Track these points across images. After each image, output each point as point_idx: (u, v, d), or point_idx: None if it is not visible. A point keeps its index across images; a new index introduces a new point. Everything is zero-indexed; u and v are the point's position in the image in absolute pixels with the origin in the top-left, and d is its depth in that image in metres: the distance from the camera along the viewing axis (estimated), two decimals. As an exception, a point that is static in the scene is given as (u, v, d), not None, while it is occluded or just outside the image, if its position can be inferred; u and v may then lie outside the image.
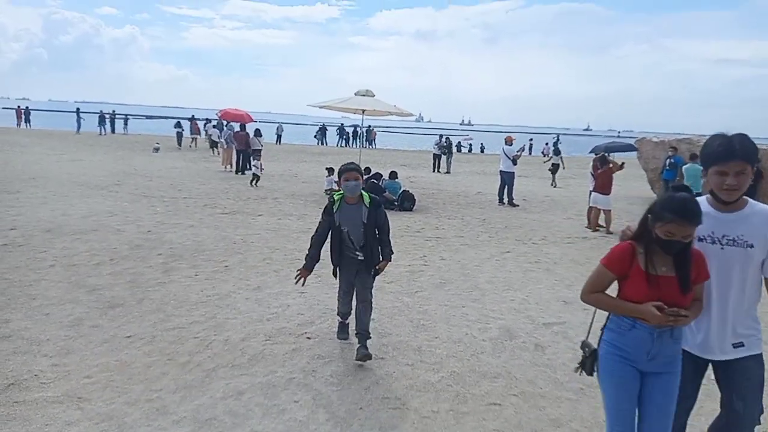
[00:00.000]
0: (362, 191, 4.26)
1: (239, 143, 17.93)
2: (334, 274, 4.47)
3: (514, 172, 13.82)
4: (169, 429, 3.30)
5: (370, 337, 4.36)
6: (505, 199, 13.76)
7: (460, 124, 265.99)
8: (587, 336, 2.71)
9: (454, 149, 27.13)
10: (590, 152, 16.11)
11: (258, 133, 18.51)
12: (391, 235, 4.42)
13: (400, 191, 12.52)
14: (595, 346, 2.56)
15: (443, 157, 23.71)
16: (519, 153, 14.30)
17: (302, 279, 4.31)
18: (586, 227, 11.03)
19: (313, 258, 4.35)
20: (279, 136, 37.63)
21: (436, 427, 3.48)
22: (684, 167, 13.32)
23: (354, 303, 4.43)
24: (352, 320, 4.54)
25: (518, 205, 13.61)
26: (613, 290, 2.49)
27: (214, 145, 24.99)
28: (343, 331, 4.75)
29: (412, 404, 3.74)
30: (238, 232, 8.81)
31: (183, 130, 28.65)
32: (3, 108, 44.14)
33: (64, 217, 9.06)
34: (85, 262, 6.60)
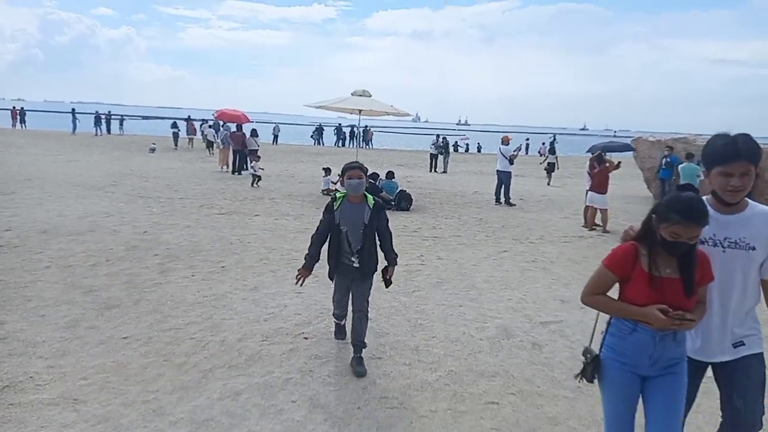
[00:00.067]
0: (365, 192, 4.16)
1: (236, 143, 17.90)
2: (330, 277, 4.40)
3: (511, 172, 13.83)
4: (166, 430, 3.28)
5: (366, 346, 4.28)
6: (502, 199, 13.77)
7: (457, 124, 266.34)
8: (590, 342, 2.64)
9: (451, 149, 27.12)
10: (587, 152, 16.14)
11: (254, 133, 18.48)
12: (393, 242, 4.30)
13: (397, 191, 12.52)
14: (597, 352, 2.49)
15: (440, 157, 23.74)
16: (516, 153, 14.31)
17: (302, 279, 4.24)
18: (583, 226, 11.04)
19: (312, 258, 4.26)
20: (276, 137, 37.61)
21: (433, 426, 3.48)
22: (680, 166, 13.37)
23: (350, 309, 4.33)
24: (348, 320, 4.53)
25: (515, 205, 13.63)
26: (613, 292, 2.44)
27: (210, 145, 24.96)
28: (340, 331, 4.74)
29: (409, 404, 3.74)
30: (235, 233, 8.79)
31: (179, 130, 28.62)
32: (-2, 109, 44.01)
33: (60, 218, 9.03)
34: (81, 263, 6.58)
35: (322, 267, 4.36)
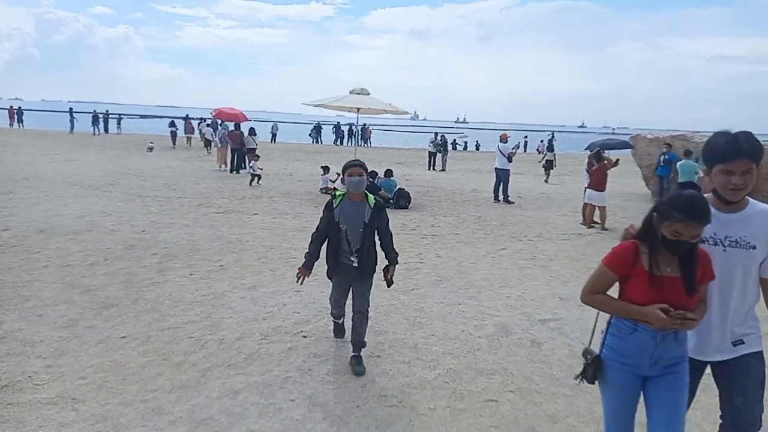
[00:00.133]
0: (366, 191, 4.12)
1: (234, 142, 17.88)
2: (329, 276, 4.33)
3: (509, 170, 13.83)
4: (165, 429, 3.28)
5: (365, 345, 4.27)
6: (501, 197, 13.77)
7: (456, 122, 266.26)
8: (590, 342, 2.62)
9: (450, 147, 27.12)
10: (586, 149, 16.16)
11: (252, 131, 18.46)
12: (394, 241, 4.26)
13: (396, 189, 12.52)
14: (598, 353, 2.45)
15: (438, 155, 23.72)
16: (514, 150, 14.31)
17: (302, 278, 4.20)
18: (581, 224, 11.05)
19: (312, 256, 4.21)
20: (274, 135, 37.57)
21: (432, 424, 3.48)
22: (678, 163, 13.38)
23: (350, 307, 4.28)
24: (346, 318, 4.52)
25: (513, 203, 13.63)
26: (613, 291, 2.41)
27: (208, 144, 24.93)
28: (338, 329, 4.71)
29: (408, 402, 3.74)
30: (233, 232, 8.78)
31: (177, 129, 28.58)
32: (-4, 108, 43.90)
33: (58, 217, 9.01)
34: (79, 263, 6.57)
35: (321, 265, 4.35)
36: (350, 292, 4.29)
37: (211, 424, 3.35)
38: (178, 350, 4.37)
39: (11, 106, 39.24)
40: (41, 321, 4.80)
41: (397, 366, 4.28)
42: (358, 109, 13.93)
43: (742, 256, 2.35)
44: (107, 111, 39.53)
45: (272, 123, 40.23)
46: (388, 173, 13.24)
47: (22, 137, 28.06)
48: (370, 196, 4.12)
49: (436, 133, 25.67)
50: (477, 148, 42.30)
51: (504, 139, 14.09)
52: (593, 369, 2.44)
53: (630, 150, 17.68)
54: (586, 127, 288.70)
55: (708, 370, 2.57)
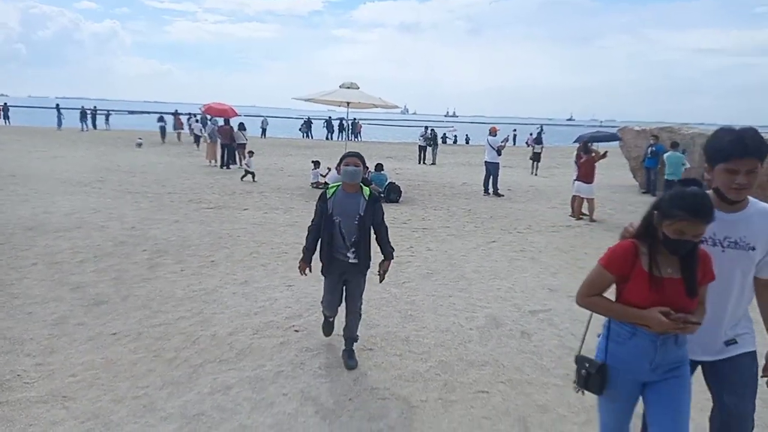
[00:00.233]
0: (361, 184, 4.04)
1: (224, 137, 17.79)
2: (323, 273, 4.15)
3: (498, 163, 13.89)
4: (157, 426, 3.28)
5: (357, 340, 4.26)
6: (490, 190, 13.83)
7: (446, 116, 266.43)
8: (581, 345, 2.55)
9: (440, 141, 27.15)
10: (574, 142, 16.26)
11: (242, 126, 18.36)
12: (389, 234, 4.21)
13: (386, 183, 12.53)
14: (597, 360, 2.33)
15: (429, 149, 23.77)
16: (503, 144, 14.36)
17: (305, 271, 4.16)
18: (570, 216, 11.13)
19: (310, 249, 4.14)
20: (264, 130, 37.40)
21: (424, 416, 3.51)
22: (665, 155, 13.51)
23: (344, 306, 4.20)
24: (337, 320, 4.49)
25: (503, 195, 13.69)
26: (610, 293, 2.34)
27: (197, 139, 24.77)
28: (328, 326, 4.54)
29: (400, 394, 3.76)
30: (224, 227, 8.75)
31: (166, 124, 28.37)
32: (-20, 105, 43.23)
33: (46, 214, 8.93)
34: (69, 260, 6.52)
35: (314, 259, 4.32)
36: (343, 291, 4.18)
37: (203, 420, 3.35)
38: (170, 346, 4.36)
39: (-3, 103, 38.75)
40: (30, 319, 4.77)
41: (389, 359, 4.30)
42: (348, 103, 13.90)
43: (741, 257, 2.30)
44: (95, 107, 39.14)
45: (262, 118, 40.04)
46: (379, 167, 13.24)
47: (9, 134, 27.69)
48: (366, 188, 4.04)
49: (426, 127, 25.68)
50: (467, 142, 42.35)
51: (493, 133, 14.13)
52: (600, 379, 2.30)
53: (618, 142, 17.81)
54: (574, 120, 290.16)
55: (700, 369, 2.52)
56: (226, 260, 6.86)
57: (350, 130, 37.42)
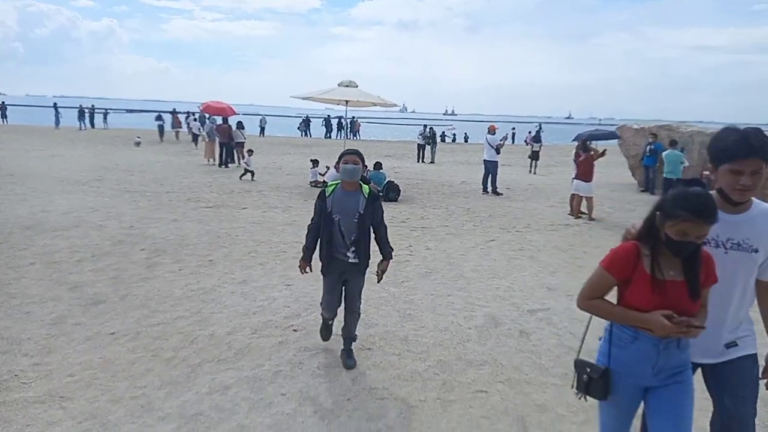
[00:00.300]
0: (361, 182, 4.01)
1: (222, 136, 17.76)
2: (323, 273, 4.11)
3: (497, 161, 13.89)
4: (155, 426, 3.27)
5: (356, 339, 4.25)
6: (489, 188, 13.83)
7: (444, 114, 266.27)
8: (579, 348, 2.52)
9: (438, 139, 27.15)
10: (573, 140, 16.26)
11: (240, 125, 18.33)
12: (389, 234, 4.19)
13: (385, 182, 12.51)
14: (599, 365, 2.30)
15: (427, 147, 23.76)
16: (502, 142, 14.36)
17: (306, 269, 4.14)
18: (569, 214, 11.13)
19: (309, 248, 4.11)
20: (262, 129, 37.35)
21: (423, 415, 3.50)
22: (664, 153, 13.52)
23: (342, 306, 4.18)
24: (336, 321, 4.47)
25: (502, 194, 13.69)
26: (611, 296, 2.31)
27: (195, 138, 24.74)
28: (326, 329, 4.46)
29: (399, 394, 3.76)
30: (223, 226, 8.74)
31: (164, 123, 28.33)
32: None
33: (44, 213, 8.91)
34: (67, 259, 6.51)
35: (313, 258, 4.30)
36: (342, 291, 4.15)
37: (201, 420, 3.35)
38: (168, 346, 4.35)
39: (-6, 102, 38.66)
40: (28, 318, 4.76)
41: (388, 358, 4.29)
42: (347, 101, 13.89)
43: (743, 259, 2.27)
44: (93, 106, 39.04)
45: (260, 116, 39.99)
46: (378, 166, 13.23)
47: (6, 133, 27.62)
48: (365, 186, 4.01)
49: (425, 126, 25.67)
50: (465, 140, 42.34)
51: (492, 131, 14.13)
52: (604, 384, 2.26)
53: (617, 140, 17.82)
54: (572, 118, 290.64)
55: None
56: (224, 259, 6.85)
57: (349, 129, 37.37)
